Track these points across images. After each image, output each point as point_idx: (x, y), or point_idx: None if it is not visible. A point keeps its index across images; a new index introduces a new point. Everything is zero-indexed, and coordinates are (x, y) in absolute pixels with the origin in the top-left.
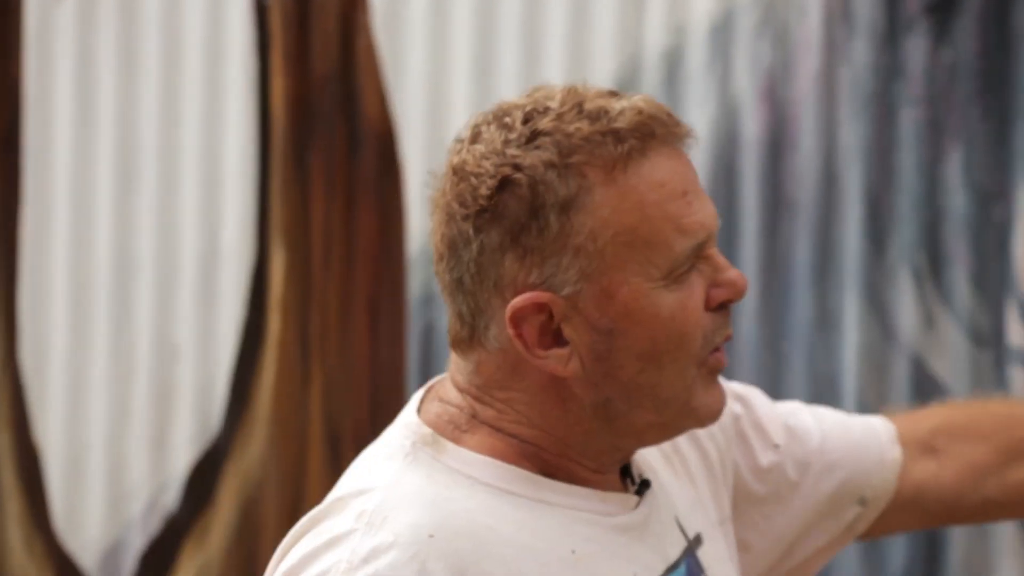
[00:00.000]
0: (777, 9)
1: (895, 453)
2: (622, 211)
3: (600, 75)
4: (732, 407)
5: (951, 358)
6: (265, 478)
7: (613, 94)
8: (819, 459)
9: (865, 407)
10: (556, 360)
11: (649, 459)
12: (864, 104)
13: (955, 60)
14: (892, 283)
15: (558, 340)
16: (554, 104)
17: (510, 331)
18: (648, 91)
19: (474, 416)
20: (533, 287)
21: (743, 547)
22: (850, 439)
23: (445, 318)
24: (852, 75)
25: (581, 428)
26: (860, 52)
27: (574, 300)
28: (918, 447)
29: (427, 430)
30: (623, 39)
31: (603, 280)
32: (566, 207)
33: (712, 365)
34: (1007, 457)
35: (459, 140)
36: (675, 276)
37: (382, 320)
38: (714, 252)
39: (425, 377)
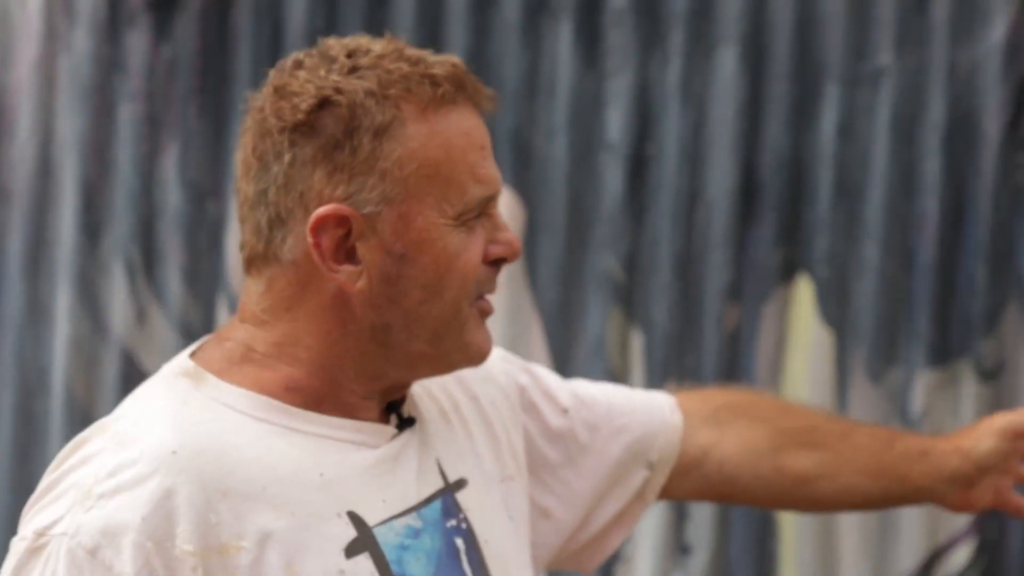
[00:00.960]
0: None
1: (677, 418)
2: (429, 147)
3: None
4: (519, 378)
5: (162, 352)
6: None
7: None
8: (607, 423)
9: (74, 400)
10: (347, 276)
11: (422, 410)
12: (84, 96)
13: (175, 57)
14: (106, 277)
15: (351, 258)
16: (376, 48)
17: (309, 240)
18: None
19: (250, 349)
20: (338, 201)
21: (544, 514)
22: (634, 406)
23: None
24: (72, 66)
25: (359, 350)
26: (81, 43)
27: (373, 220)
28: (701, 418)
29: (191, 364)
30: None
31: (403, 206)
32: (379, 133)
33: (481, 307)
34: (781, 441)
35: (279, 69)
36: (464, 219)
37: None
38: (497, 212)
39: None
